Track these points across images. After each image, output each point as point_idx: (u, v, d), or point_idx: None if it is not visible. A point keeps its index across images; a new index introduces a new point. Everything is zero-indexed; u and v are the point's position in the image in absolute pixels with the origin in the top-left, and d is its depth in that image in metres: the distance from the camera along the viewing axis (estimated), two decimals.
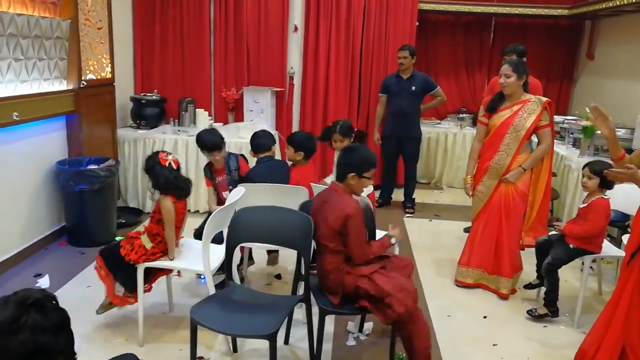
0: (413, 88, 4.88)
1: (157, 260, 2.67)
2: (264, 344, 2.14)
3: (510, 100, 3.30)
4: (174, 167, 2.69)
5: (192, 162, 4.61)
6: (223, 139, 3.26)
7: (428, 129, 5.97)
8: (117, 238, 3.93)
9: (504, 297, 3.37)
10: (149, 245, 2.66)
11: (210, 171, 3.33)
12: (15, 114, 3.33)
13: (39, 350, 1.04)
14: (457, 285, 3.52)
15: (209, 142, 3.23)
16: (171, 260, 2.68)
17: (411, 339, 2.27)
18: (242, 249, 3.42)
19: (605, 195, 2.97)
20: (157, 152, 2.75)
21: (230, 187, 3.22)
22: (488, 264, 3.43)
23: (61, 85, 3.89)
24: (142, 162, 4.64)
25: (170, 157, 2.71)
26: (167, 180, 2.65)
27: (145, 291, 2.71)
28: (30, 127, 3.59)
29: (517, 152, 3.28)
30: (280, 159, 3.59)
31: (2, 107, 3.22)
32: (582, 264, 3.10)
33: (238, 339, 2.69)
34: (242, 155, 3.49)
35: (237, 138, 4.66)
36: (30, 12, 3.48)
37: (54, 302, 1.10)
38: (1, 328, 1.01)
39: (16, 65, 3.37)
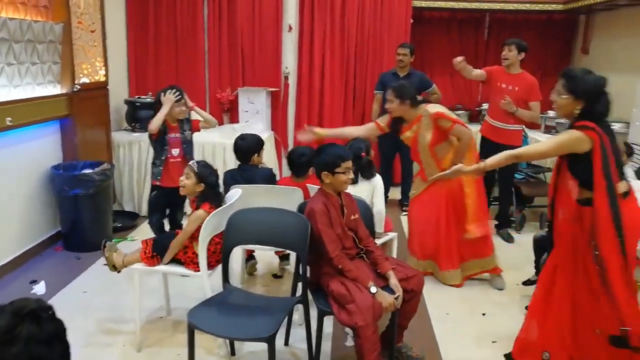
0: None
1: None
2: (263, 346, 2.13)
3: (408, 121, 3.35)
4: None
5: None
6: (182, 93, 3.32)
7: None
8: (115, 240, 3.91)
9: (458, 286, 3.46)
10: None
11: (164, 124, 3.33)
12: (9, 119, 3.31)
13: None
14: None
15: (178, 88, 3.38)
16: (165, 264, 2.67)
17: (362, 353, 2.23)
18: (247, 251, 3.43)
19: None
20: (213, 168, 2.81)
21: (184, 145, 3.40)
22: (445, 259, 3.47)
23: (55, 89, 3.87)
24: (136, 165, 4.64)
25: (183, 182, 2.72)
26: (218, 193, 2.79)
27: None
28: (24, 132, 3.57)
29: (437, 162, 3.33)
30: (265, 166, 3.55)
31: None
32: None
33: (236, 342, 2.67)
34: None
35: (232, 139, 4.62)
36: (23, 15, 3.45)
37: (49, 313, 1.08)
38: None
39: (9, 69, 3.34)
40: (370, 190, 3.14)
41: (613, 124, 4.38)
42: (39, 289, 3.27)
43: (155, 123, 3.23)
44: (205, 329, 2.16)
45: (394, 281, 2.37)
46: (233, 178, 3.21)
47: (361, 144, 3.18)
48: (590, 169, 2.20)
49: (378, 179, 3.19)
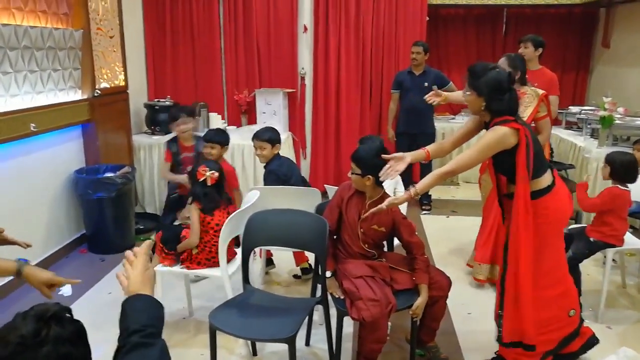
0: (425, 84, 4.83)
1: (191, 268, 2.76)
2: (284, 346, 2.14)
3: None
4: (209, 183, 2.76)
5: None
6: (194, 111, 3.55)
7: (442, 125, 5.91)
8: (138, 239, 3.97)
9: (481, 282, 3.42)
10: (194, 250, 2.74)
11: (177, 145, 3.68)
12: (33, 125, 3.38)
13: None
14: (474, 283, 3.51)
15: (176, 112, 3.70)
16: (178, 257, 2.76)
17: (364, 342, 2.33)
18: (260, 252, 3.44)
19: (621, 186, 2.92)
20: (201, 164, 2.85)
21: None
22: (479, 250, 3.44)
23: (76, 95, 3.94)
24: (157, 167, 4.70)
25: (208, 174, 2.76)
26: (194, 194, 2.80)
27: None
28: (48, 137, 3.65)
29: None
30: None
31: (19, 118, 3.28)
32: (604, 257, 3.05)
33: (257, 342, 2.69)
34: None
35: (250, 141, 4.65)
36: (43, 24, 3.53)
37: (69, 314, 1.12)
38: (24, 342, 1.04)
39: (32, 77, 3.42)
40: (393, 184, 3.16)
41: (635, 118, 4.36)
42: (66, 290, 3.33)
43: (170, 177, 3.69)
44: (226, 330, 2.19)
45: (419, 300, 2.35)
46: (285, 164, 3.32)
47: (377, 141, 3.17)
48: (513, 163, 2.21)
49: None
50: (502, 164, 2.32)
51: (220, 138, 3.49)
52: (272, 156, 3.33)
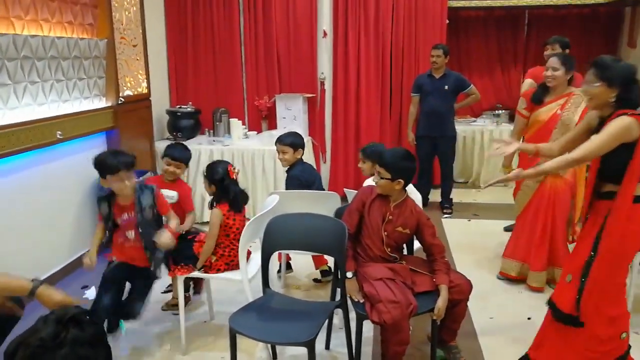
0: (446, 87, 4.82)
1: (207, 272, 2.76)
2: (304, 349, 2.15)
3: (555, 94, 3.25)
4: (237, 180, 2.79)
5: None
6: (129, 163, 2.57)
7: (463, 127, 5.87)
8: None
9: (538, 290, 3.34)
10: (213, 258, 2.75)
11: (108, 204, 2.62)
12: (59, 132, 3.48)
13: None
14: (499, 278, 3.51)
15: (106, 163, 2.55)
16: (198, 270, 2.74)
17: (388, 345, 2.33)
18: (279, 256, 3.46)
19: None
20: (225, 163, 2.81)
21: (140, 228, 2.60)
22: (533, 258, 3.36)
23: (100, 103, 4.04)
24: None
25: (236, 171, 2.79)
26: (236, 194, 2.74)
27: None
28: (73, 144, 3.74)
29: None
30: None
31: (46, 126, 3.37)
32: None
33: (277, 346, 2.70)
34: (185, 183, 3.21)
35: (271, 146, 4.69)
36: (70, 34, 3.63)
37: (88, 318, 1.15)
38: (44, 344, 1.07)
39: (58, 85, 3.52)
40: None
41: None
42: (90, 294, 3.41)
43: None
44: (246, 333, 2.20)
45: (439, 303, 2.34)
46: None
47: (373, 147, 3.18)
48: (624, 160, 2.14)
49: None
50: (613, 159, 2.20)
51: (186, 156, 3.06)
52: (295, 161, 3.35)
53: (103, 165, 2.55)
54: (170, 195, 2.97)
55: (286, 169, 3.41)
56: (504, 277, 3.51)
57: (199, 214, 4.54)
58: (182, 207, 3.02)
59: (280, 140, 3.36)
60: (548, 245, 3.35)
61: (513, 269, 3.46)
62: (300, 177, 3.26)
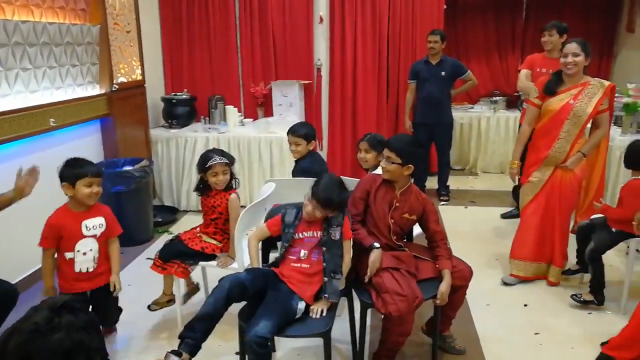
0: (442, 73, 4.78)
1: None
2: (304, 341, 2.13)
3: (570, 83, 3.11)
4: None
5: None
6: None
7: (460, 114, 5.85)
8: (159, 231, 4.02)
9: (553, 284, 3.29)
10: (219, 244, 2.80)
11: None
12: (52, 120, 3.43)
13: (75, 347, 1.09)
14: (505, 284, 3.38)
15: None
16: (233, 259, 2.73)
17: (389, 334, 2.32)
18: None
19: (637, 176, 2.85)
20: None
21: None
22: (543, 255, 3.31)
23: (94, 90, 3.99)
24: (174, 160, 4.74)
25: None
26: (233, 181, 2.83)
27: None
28: (67, 132, 3.70)
29: (577, 138, 3.11)
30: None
31: (39, 114, 3.33)
32: (628, 247, 2.98)
33: (276, 338, 2.69)
34: None
35: (267, 133, 4.68)
36: (61, 20, 3.57)
37: (79, 305, 1.15)
38: (37, 328, 1.07)
39: (50, 72, 3.47)
40: None
41: None
42: None
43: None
44: None
45: (442, 287, 2.32)
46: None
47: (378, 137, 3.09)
48: None
49: None
50: None
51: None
52: (306, 152, 3.26)
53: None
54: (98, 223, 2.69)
55: (295, 159, 3.32)
56: (519, 279, 3.34)
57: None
58: (110, 232, 2.76)
59: (293, 132, 3.18)
60: (563, 237, 3.26)
61: (528, 270, 3.33)
62: (309, 170, 3.13)
